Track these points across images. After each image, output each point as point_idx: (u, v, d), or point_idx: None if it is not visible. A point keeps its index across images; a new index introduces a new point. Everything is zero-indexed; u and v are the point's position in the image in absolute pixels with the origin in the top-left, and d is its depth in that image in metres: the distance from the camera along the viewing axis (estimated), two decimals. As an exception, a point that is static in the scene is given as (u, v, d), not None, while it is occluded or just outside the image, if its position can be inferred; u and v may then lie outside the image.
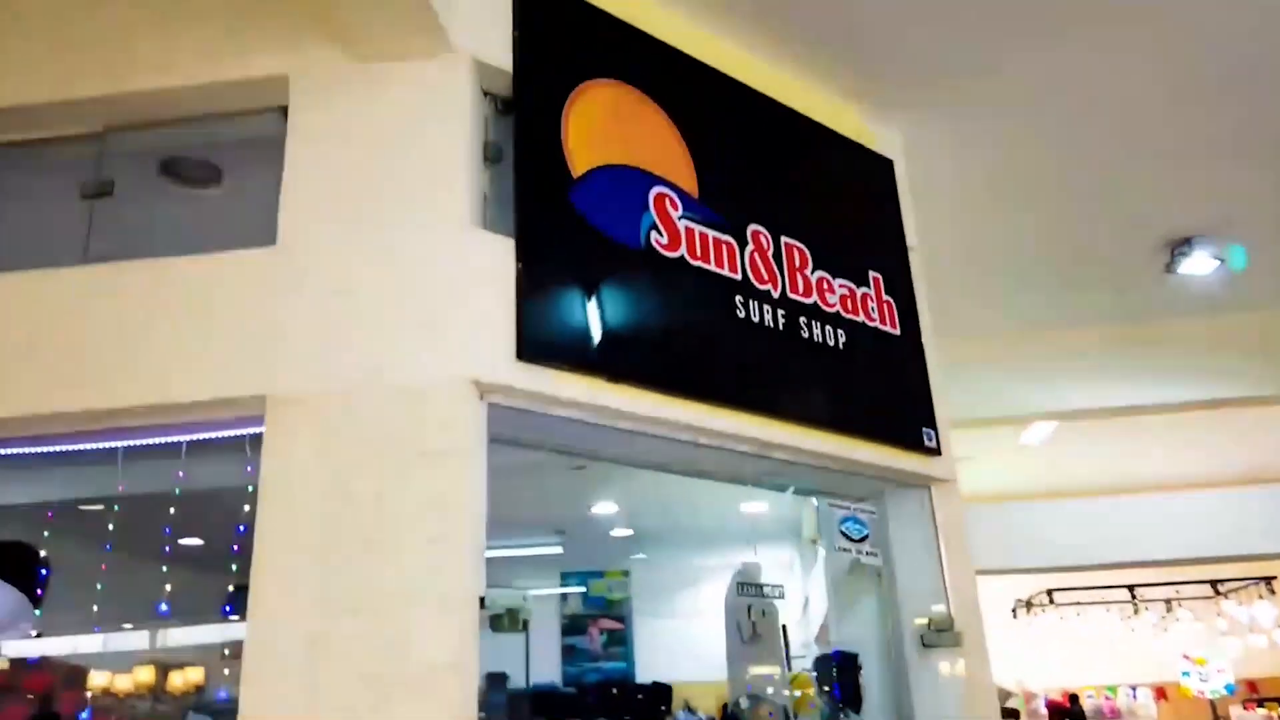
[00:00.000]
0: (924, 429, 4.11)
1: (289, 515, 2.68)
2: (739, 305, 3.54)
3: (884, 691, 4.08)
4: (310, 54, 3.23)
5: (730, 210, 3.68)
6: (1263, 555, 11.68)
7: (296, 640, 2.55)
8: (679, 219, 3.48)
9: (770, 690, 4.16)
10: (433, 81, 3.18)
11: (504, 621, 2.70)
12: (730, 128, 3.95)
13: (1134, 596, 13.46)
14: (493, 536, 2.78)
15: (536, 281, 3.02)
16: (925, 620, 3.98)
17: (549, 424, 3.07)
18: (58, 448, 3.10)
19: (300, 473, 2.72)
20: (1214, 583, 13.45)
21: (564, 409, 3.04)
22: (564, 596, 8.14)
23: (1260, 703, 13.31)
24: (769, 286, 3.68)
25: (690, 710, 5.98)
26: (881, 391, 4.06)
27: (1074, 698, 13.25)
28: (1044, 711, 12.89)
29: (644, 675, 7.50)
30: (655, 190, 3.45)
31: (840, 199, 4.35)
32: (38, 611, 3.31)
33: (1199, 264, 6.06)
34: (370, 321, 2.87)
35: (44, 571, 3.31)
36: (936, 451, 4.11)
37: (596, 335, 3.12)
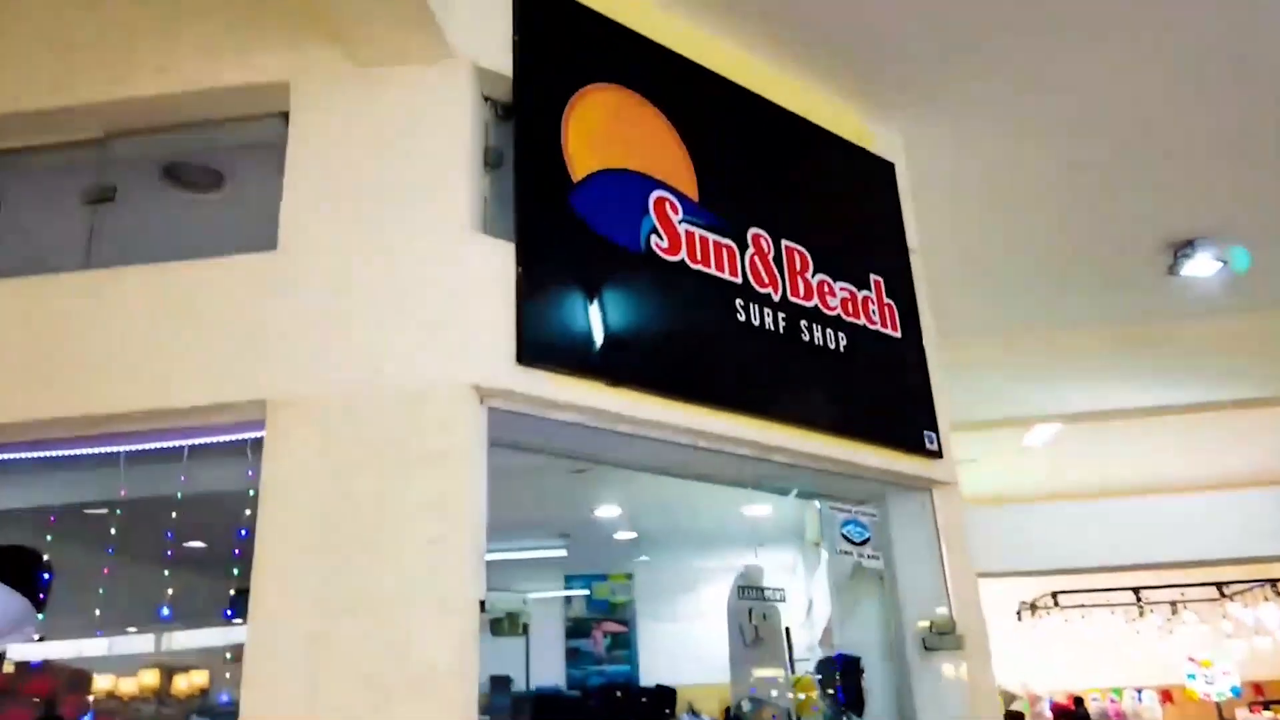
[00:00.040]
0: (925, 431, 4.11)
1: (289, 518, 2.69)
2: (739, 309, 3.55)
3: (887, 694, 4.07)
4: (311, 59, 3.24)
5: (731, 214, 3.68)
6: (1268, 557, 11.67)
7: (297, 643, 2.56)
8: (679, 222, 3.48)
9: (774, 693, 4.16)
10: (433, 86, 3.18)
11: (504, 625, 2.71)
12: (730, 131, 3.95)
13: (1139, 599, 13.44)
14: (496, 540, 2.78)
15: (537, 285, 3.03)
16: (927, 623, 3.98)
17: (549, 428, 3.08)
18: (60, 452, 3.11)
19: (301, 476, 2.73)
20: (1219, 585, 13.43)
21: (564, 413, 3.04)
22: (568, 599, 8.15)
23: (1266, 705, 13.28)
24: (769, 290, 3.68)
25: (694, 713, 5.98)
26: (882, 394, 4.06)
27: (1079, 700, 13.23)
28: (1049, 714, 12.87)
29: (648, 678, 7.51)
30: (655, 194, 3.46)
31: (841, 202, 4.35)
32: (40, 616, 3.32)
33: (1201, 265, 6.06)
34: (371, 326, 2.88)
35: (46, 576, 3.32)
36: (938, 454, 4.11)
37: (597, 339, 3.13)
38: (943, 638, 3.91)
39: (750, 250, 3.68)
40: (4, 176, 3.53)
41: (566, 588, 8.13)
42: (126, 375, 2.90)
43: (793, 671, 4.33)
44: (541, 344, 2.96)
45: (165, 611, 3.55)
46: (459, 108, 3.16)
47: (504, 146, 3.25)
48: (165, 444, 3.08)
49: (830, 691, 4.11)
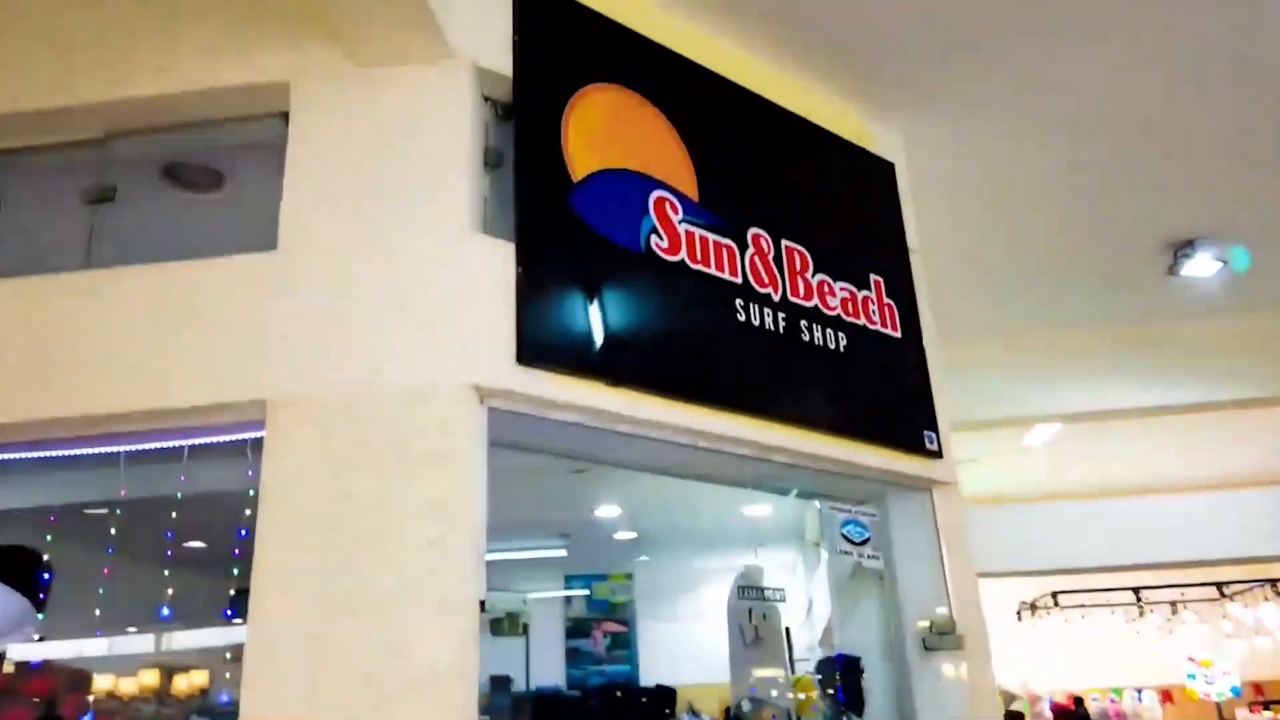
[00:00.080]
0: (925, 431, 4.11)
1: (289, 518, 2.69)
2: (739, 309, 3.55)
3: (887, 694, 4.07)
4: (311, 59, 3.24)
5: (730, 213, 3.68)
6: (1268, 557, 11.68)
7: (297, 642, 2.56)
8: (679, 222, 3.48)
9: (774, 693, 4.17)
10: (433, 86, 3.19)
11: (504, 625, 2.71)
12: (730, 131, 3.95)
13: (1139, 599, 13.44)
14: (497, 540, 2.78)
15: (536, 285, 3.03)
16: (927, 623, 3.98)
17: (549, 428, 3.08)
18: (60, 452, 3.12)
19: (300, 476, 2.73)
20: (1219, 585, 13.43)
21: (564, 413, 3.04)
22: (568, 599, 8.15)
23: (1266, 705, 13.28)
24: (769, 290, 3.68)
25: (694, 713, 5.98)
26: (882, 394, 4.06)
27: (1079, 700, 13.24)
28: (1049, 714, 12.87)
29: (648, 678, 7.51)
30: (655, 194, 3.46)
31: (841, 202, 4.35)
32: (40, 616, 3.32)
33: (1202, 266, 6.06)
34: (370, 326, 2.88)
35: (46, 576, 3.32)
36: (938, 454, 4.11)
37: (597, 339, 3.13)
38: (942, 638, 3.92)
39: (750, 250, 3.68)
40: (4, 176, 3.53)
41: (567, 588, 8.14)
42: (126, 375, 2.90)
43: (793, 671, 4.34)
44: (541, 344, 2.96)
45: (165, 611, 3.55)
46: (459, 108, 3.16)
47: (504, 146, 3.25)
48: (165, 444, 3.08)
49: (830, 691, 4.11)
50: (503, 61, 3.29)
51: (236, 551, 2.85)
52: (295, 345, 2.87)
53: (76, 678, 4.10)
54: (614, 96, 3.53)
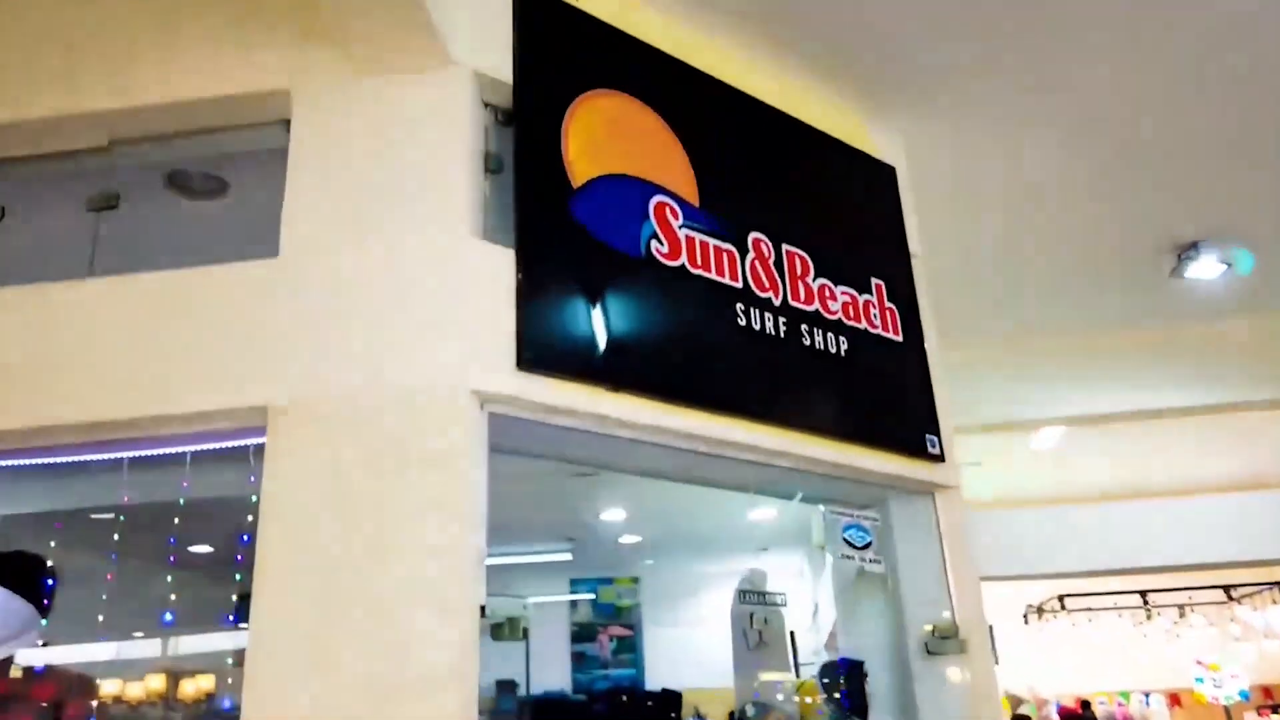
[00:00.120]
0: (927, 435, 4.11)
1: (291, 523, 2.70)
2: (740, 313, 3.55)
3: (890, 699, 4.07)
4: (312, 66, 3.26)
5: (731, 218, 3.69)
6: (1275, 560, 11.62)
7: (298, 647, 2.57)
8: (679, 227, 3.49)
9: (780, 697, 4.17)
10: (433, 93, 3.20)
11: (504, 630, 2.72)
12: (731, 135, 3.96)
13: (1146, 602, 13.41)
14: (502, 543, 2.80)
15: (537, 290, 3.04)
16: (929, 627, 3.98)
17: (550, 433, 3.09)
18: (64, 458, 3.13)
19: (302, 482, 2.74)
20: (1227, 588, 13.39)
21: (565, 418, 3.05)
22: (573, 603, 8.14)
23: (1275, 709, 13.23)
24: (770, 294, 3.69)
25: (699, 717, 5.97)
26: (884, 398, 4.06)
27: (1086, 704, 13.21)
28: (1056, 718, 12.85)
29: (653, 682, 7.49)
30: (655, 199, 3.46)
31: (842, 205, 4.36)
32: (44, 621, 3.33)
33: (1206, 268, 6.05)
34: (371, 332, 2.89)
35: (50, 581, 3.34)
36: (940, 458, 4.11)
37: (597, 344, 3.13)
38: (945, 642, 3.92)
39: (751, 255, 3.69)
40: (9, 184, 3.56)
41: (572, 591, 8.13)
42: (129, 381, 2.92)
43: (797, 675, 4.34)
44: (541, 349, 2.97)
45: (170, 617, 3.56)
46: (459, 114, 3.18)
47: (504, 152, 3.26)
48: (171, 450, 3.09)
49: (834, 696, 4.11)
50: (503, 67, 3.30)
51: (239, 557, 2.86)
52: (297, 351, 2.89)
53: (82, 683, 4.11)
54: (614, 102, 3.54)
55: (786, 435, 3.57)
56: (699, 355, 3.42)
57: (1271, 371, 7.36)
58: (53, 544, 3.59)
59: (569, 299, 3.12)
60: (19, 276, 3.16)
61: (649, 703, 6.47)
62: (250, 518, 2.76)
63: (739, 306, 3.56)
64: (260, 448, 2.83)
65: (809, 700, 4.15)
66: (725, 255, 3.59)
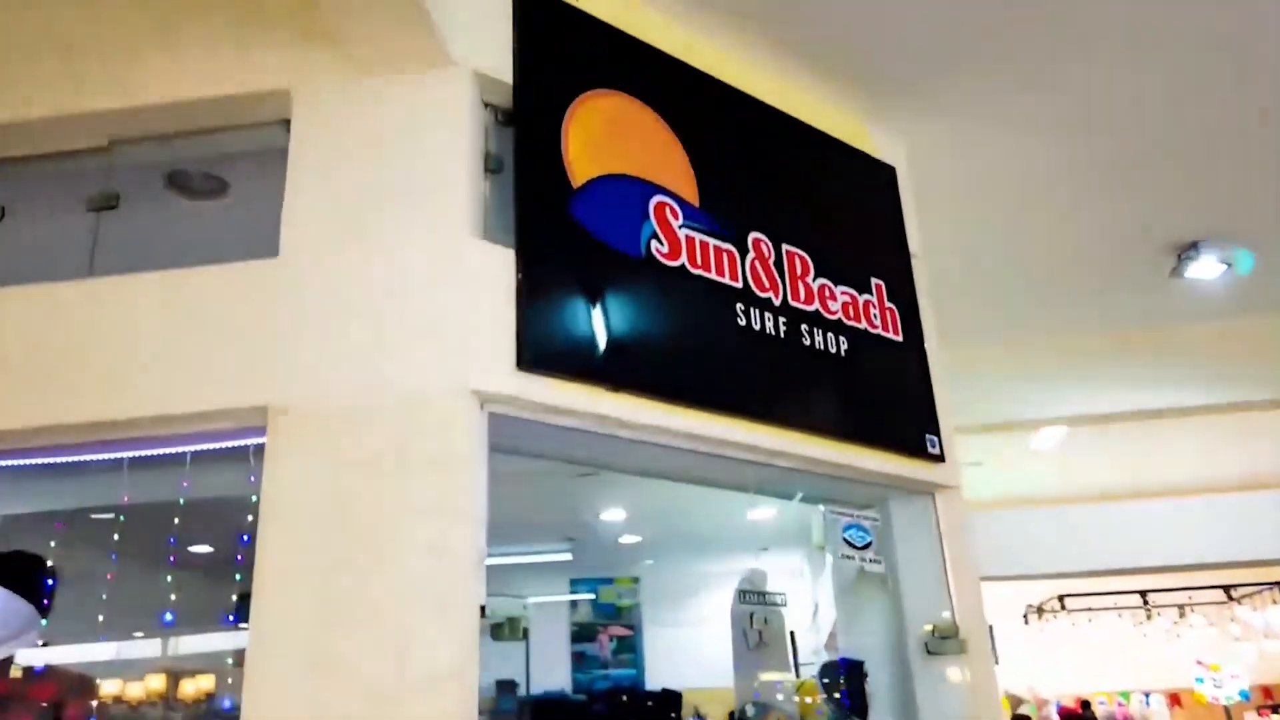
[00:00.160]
0: (927, 435, 4.11)
1: (290, 524, 2.70)
2: (740, 313, 3.55)
3: (890, 699, 4.07)
4: (312, 66, 3.26)
5: (731, 218, 3.69)
6: (1275, 560, 11.61)
7: (298, 647, 2.57)
8: (679, 227, 3.49)
9: (780, 697, 4.17)
10: (433, 93, 3.20)
11: (504, 630, 2.72)
12: (731, 135, 3.96)
13: (1146, 602, 13.41)
14: (502, 543, 2.80)
15: (537, 290, 3.04)
16: (929, 627, 3.98)
17: (550, 433, 3.09)
18: (64, 458, 3.13)
19: (301, 482, 2.74)
20: (1227, 588, 13.39)
21: (564, 418, 3.05)
22: (573, 603, 8.13)
23: (1275, 709, 13.23)
24: (770, 294, 3.69)
25: (700, 717, 5.97)
26: (884, 398, 4.06)
27: (1086, 704, 13.21)
28: (1056, 718, 12.84)
29: (653, 682, 7.48)
30: (655, 199, 3.47)
31: (842, 206, 4.36)
32: (44, 621, 3.33)
33: (1206, 268, 6.05)
34: (371, 332, 2.89)
35: (50, 581, 3.34)
36: (940, 458, 4.11)
37: (597, 344, 3.14)
38: (945, 642, 3.92)
39: (751, 255, 3.69)
40: (9, 184, 3.56)
41: (572, 591, 8.12)
42: (129, 382, 2.92)
43: (797, 675, 4.33)
44: (541, 349, 2.97)
45: (170, 617, 3.56)
46: (459, 114, 3.18)
47: (504, 152, 3.27)
48: (168, 449, 3.09)
49: (834, 695, 4.11)
50: (503, 67, 3.30)
51: (239, 557, 2.86)
52: (296, 351, 2.89)
53: (82, 683, 4.11)
54: (614, 102, 3.54)
55: (786, 435, 3.58)
56: (699, 355, 3.42)
57: (1271, 372, 7.36)
58: (53, 544, 3.58)
59: (569, 299, 3.12)
60: (19, 276, 3.15)
61: (649, 703, 6.46)
62: (250, 518, 2.76)
63: (739, 306, 3.56)
64: (260, 448, 2.83)
65: (809, 700, 4.14)
66: (725, 255, 3.59)
